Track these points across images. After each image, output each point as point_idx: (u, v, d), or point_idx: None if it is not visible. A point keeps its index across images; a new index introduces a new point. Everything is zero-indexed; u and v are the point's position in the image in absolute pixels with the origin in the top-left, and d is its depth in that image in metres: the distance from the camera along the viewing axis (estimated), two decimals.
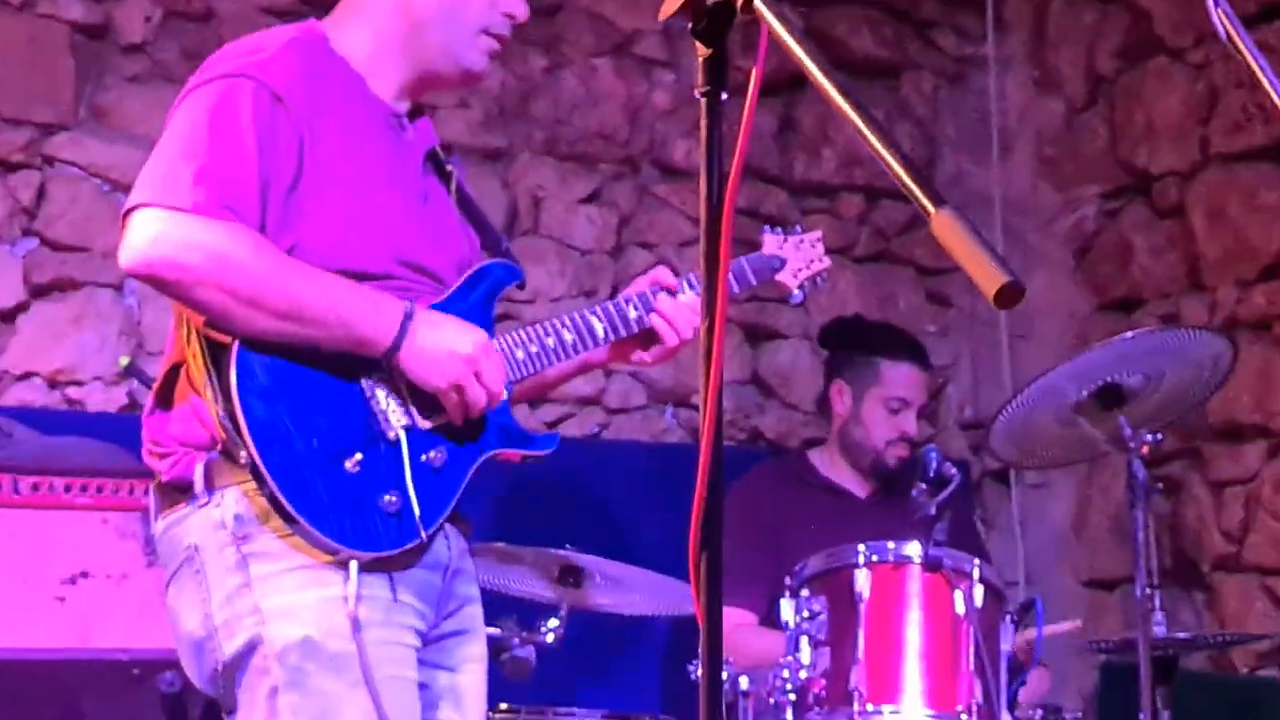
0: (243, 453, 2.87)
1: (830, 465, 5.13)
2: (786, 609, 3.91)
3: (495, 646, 3.36)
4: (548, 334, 3.21)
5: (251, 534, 2.91)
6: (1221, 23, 2.11)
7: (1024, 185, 6.23)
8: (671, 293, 3.30)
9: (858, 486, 5.10)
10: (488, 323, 3.18)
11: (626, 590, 4.37)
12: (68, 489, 4.02)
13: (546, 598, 4.24)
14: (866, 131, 1.66)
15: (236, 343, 2.91)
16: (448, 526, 3.10)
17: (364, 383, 2.99)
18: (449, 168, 3.32)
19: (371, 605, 2.91)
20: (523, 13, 3.17)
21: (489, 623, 3.30)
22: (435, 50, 3.15)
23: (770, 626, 4.44)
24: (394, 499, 2.94)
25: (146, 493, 3.89)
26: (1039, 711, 4.22)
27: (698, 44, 1.80)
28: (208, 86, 2.99)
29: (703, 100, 1.80)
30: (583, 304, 5.28)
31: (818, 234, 3.76)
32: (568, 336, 3.23)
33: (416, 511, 2.95)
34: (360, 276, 3.02)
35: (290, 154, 2.96)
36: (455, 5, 3.14)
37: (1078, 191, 6.02)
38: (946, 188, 6.19)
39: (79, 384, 4.89)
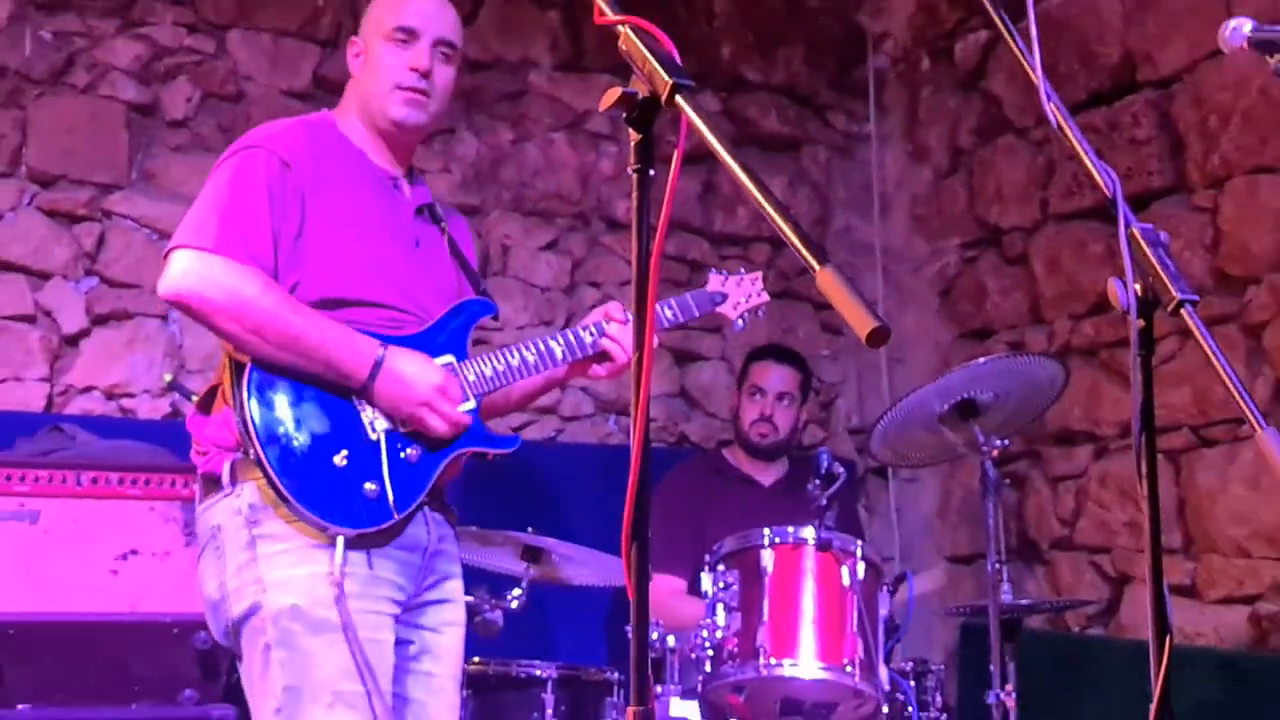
0: (251, 449, 2.89)
1: (739, 460, 5.15)
2: (706, 581, 3.90)
3: (469, 610, 3.35)
4: (513, 355, 3.24)
5: (261, 519, 2.94)
6: (1052, 113, 2.12)
7: (900, 238, 6.23)
8: (621, 323, 3.34)
9: (764, 476, 5.11)
10: (463, 346, 3.21)
11: (577, 565, 4.36)
12: (120, 482, 4.00)
13: (512, 571, 4.22)
14: (765, 205, 1.66)
15: (250, 363, 2.94)
16: (432, 515, 3.12)
17: (353, 396, 3.02)
18: (442, 222, 3.35)
19: (351, 578, 2.92)
20: (423, 63, 3.18)
21: (464, 592, 3.30)
22: (375, 114, 3.21)
23: (694, 595, 4.44)
24: (374, 487, 2.96)
25: (187, 485, 3.94)
26: (910, 663, 4.23)
27: (630, 130, 1.81)
28: (232, 157, 3.08)
29: (634, 176, 1.80)
30: (543, 331, 5.28)
31: (758, 274, 3.77)
32: (530, 357, 3.26)
33: (391, 497, 2.97)
34: (356, 304, 3.06)
35: (294, 207, 3.03)
36: (373, 74, 3.20)
37: (942, 243, 6.02)
38: (838, 239, 6.23)
39: (131, 396, 4.87)
